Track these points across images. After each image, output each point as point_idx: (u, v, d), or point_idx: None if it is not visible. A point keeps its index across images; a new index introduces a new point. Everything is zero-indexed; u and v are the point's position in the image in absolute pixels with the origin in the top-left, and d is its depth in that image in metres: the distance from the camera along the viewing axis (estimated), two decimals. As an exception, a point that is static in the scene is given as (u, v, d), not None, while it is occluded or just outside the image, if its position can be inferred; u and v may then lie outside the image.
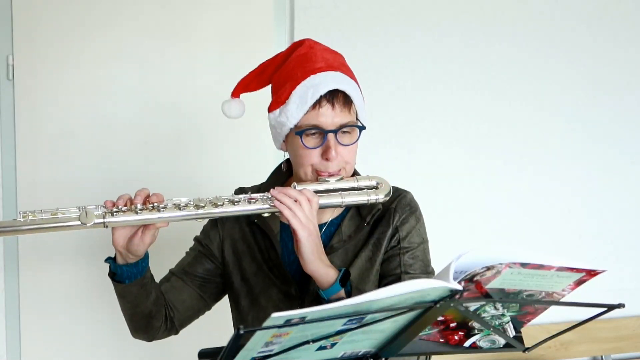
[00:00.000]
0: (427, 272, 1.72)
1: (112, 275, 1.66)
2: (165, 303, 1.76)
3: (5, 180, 2.65)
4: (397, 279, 1.68)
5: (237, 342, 1.14)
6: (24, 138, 2.65)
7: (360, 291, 1.62)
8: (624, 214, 3.26)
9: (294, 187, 1.62)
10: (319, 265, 1.57)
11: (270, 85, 1.77)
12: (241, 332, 1.10)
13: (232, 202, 1.59)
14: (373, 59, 2.96)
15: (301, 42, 1.73)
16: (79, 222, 1.52)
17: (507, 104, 3.10)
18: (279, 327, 1.12)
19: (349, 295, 1.55)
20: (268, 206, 1.59)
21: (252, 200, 1.60)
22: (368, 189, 1.67)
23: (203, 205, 1.58)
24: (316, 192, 1.62)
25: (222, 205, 1.59)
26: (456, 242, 2.99)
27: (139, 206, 1.56)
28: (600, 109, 3.22)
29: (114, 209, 1.55)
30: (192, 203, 1.59)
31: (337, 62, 1.70)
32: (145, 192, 1.60)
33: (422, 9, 3.00)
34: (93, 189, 2.70)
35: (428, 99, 3.02)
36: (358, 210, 1.73)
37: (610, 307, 1.28)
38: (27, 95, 2.65)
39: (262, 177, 1.86)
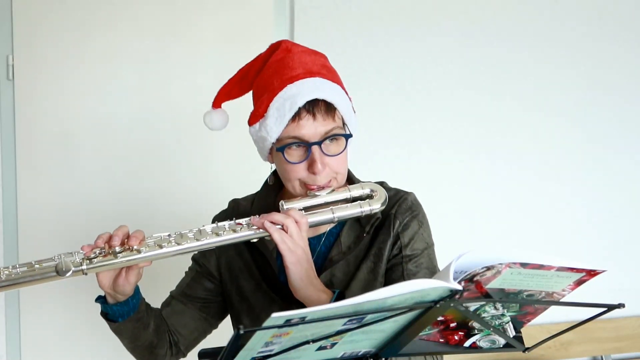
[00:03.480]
0: None
1: (105, 315, 1.60)
2: (168, 329, 1.70)
3: (5, 180, 2.65)
4: None
5: (237, 342, 1.14)
6: (24, 138, 2.65)
7: None
8: (623, 214, 3.26)
9: (282, 207, 1.54)
10: (310, 291, 1.49)
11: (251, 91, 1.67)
12: (241, 332, 1.10)
13: (216, 233, 1.51)
14: (373, 59, 2.96)
15: (278, 45, 1.62)
16: (55, 274, 1.49)
17: (507, 104, 3.10)
18: (279, 327, 1.12)
19: None
20: (254, 232, 1.51)
21: (237, 228, 1.52)
22: (362, 199, 1.56)
23: (185, 242, 1.51)
24: (306, 208, 1.54)
25: (205, 238, 1.51)
26: (456, 242, 3.00)
27: (117, 249, 1.49)
28: (601, 109, 3.22)
29: (92, 255, 1.48)
30: (173, 239, 1.51)
31: (316, 66, 1.57)
32: (124, 230, 1.52)
33: (422, 9, 3.00)
34: (93, 189, 2.70)
35: (428, 99, 3.02)
36: (358, 219, 1.61)
37: (610, 307, 1.28)
38: (27, 95, 2.65)
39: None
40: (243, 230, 1.52)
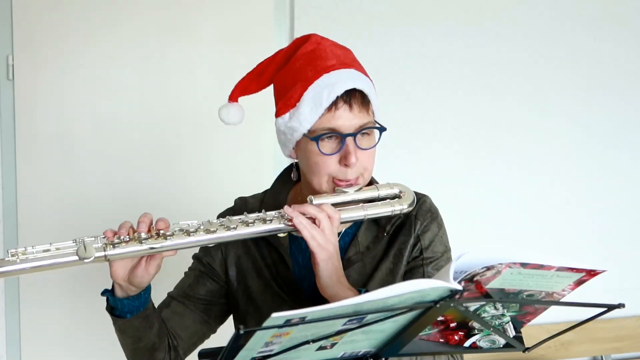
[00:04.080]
0: None
1: (110, 309, 1.53)
2: (167, 331, 1.62)
3: (5, 180, 2.65)
4: None
5: (237, 342, 1.14)
6: (24, 138, 2.65)
7: None
8: (623, 214, 3.26)
9: (311, 201, 1.48)
10: (338, 289, 1.44)
11: (271, 86, 1.62)
12: (241, 332, 1.10)
13: (246, 224, 1.44)
14: (373, 59, 2.95)
15: (306, 38, 1.58)
16: (76, 258, 1.37)
17: (507, 104, 3.10)
18: (279, 327, 1.12)
19: None
20: (284, 225, 1.46)
21: (266, 220, 1.46)
22: (390, 198, 1.54)
23: (214, 229, 1.43)
24: (335, 205, 1.49)
25: (235, 227, 1.44)
26: (456, 242, 3.00)
27: (143, 235, 1.40)
28: (601, 109, 3.22)
29: (115, 240, 1.40)
30: (202, 227, 1.43)
31: (349, 59, 1.56)
32: (149, 217, 1.44)
33: (422, 9, 3.00)
34: (93, 189, 2.70)
35: (428, 99, 3.02)
36: (375, 218, 1.56)
37: (610, 307, 1.28)
38: (27, 95, 2.65)
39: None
40: (273, 223, 1.46)
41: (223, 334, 1.89)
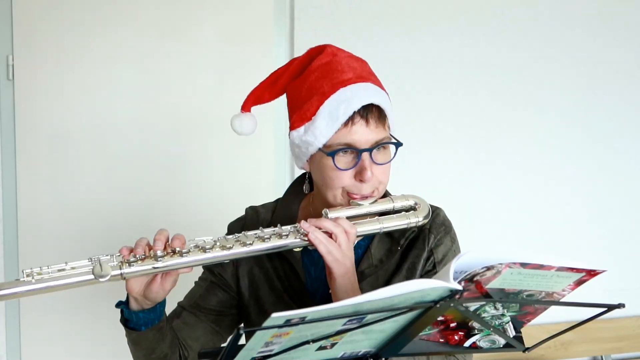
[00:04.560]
0: None
1: (124, 321, 1.51)
2: (179, 342, 1.59)
3: (5, 180, 2.65)
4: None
5: (237, 342, 1.14)
6: (24, 138, 2.65)
7: None
8: (623, 214, 3.26)
9: (326, 215, 1.47)
10: None
11: (284, 95, 1.61)
12: (241, 332, 1.10)
13: (262, 239, 1.43)
14: (373, 60, 2.92)
15: (321, 49, 1.56)
16: (92, 277, 1.37)
17: (507, 104, 3.11)
18: (279, 327, 1.12)
19: None
20: (300, 240, 1.44)
21: (282, 235, 1.44)
22: (406, 210, 1.52)
23: (230, 245, 1.42)
24: (350, 218, 1.48)
25: (251, 243, 1.42)
26: (456, 242, 2.99)
27: (159, 253, 1.39)
28: (601, 109, 3.22)
29: (131, 258, 1.39)
30: (218, 244, 1.42)
31: (365, 72, 1.55)
32: (165, 234, 1.43)
33: (422, 9, 3.00)
34: (93, 189, 2.70)
35: (428, 99, 3.02)
36: (388, 232, 1.55)
37: (610, 307, 1.28)
38: (27, 95, 2.65)
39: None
40: (289, 238, 1.44)
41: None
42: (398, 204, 1.53)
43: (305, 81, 1.53)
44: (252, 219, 1.65)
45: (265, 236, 1.44)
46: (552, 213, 3.17)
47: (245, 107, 1.62)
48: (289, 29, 2.87)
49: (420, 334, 1.29)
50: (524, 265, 1.21)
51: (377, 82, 1.55)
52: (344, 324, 1.19)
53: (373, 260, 1.57)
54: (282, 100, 1.66)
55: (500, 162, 3.11)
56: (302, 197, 1.65)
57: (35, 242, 2.67)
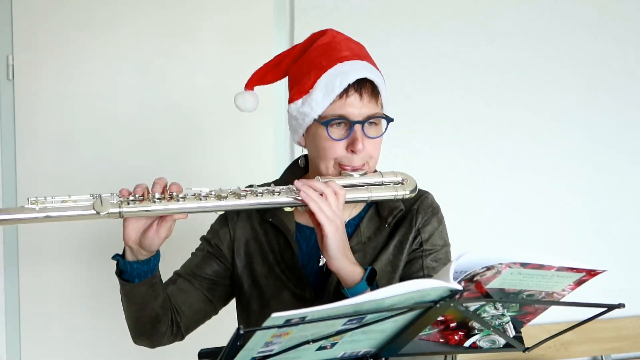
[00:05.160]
0: None
1: (119, 273, 1.56)
2: (172, 306, 1.66)
3: (5, 180, 2.65)
4: None
5: (237, 342, 1.14)
6: (24, 138, 2.65)
7: None
8: (623, 214, 3.27)
9: (318, 180, 1.53)
10: (345, 263, 1.47)
11: (286, 78, 1.69)
12: (241, 332, 1.10)
13: (255, 194, 1.49)
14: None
15: (323, 32, 1.65)
16: (93, 211, 1.42)
17: (507, 104, 3.11)
18: (279, 327, 1.12)
19: None
20: (292, 199, 1.49)
21: (276, 192, 1.50)
22: (394, 184, 1.60)
23: (225, 196, 1.47)
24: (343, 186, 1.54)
25: (244, 196, 1.48)
26: (456, 242, 2.99)
27: (157, 195, 1.45)
28: (601, 109, 3.22)
29: (130, 198, 1.45)
30: (213, 193, 1.47)
31: (362, 52, 1.63)
32: (164, 181, 1.49)
33: (422, 9, 3.00)
34: (93, 189, 2.68)
35: (428, 99, 3.02)
36: (377, 210, 1.66)
37: (610, 307, 1.28)
38: (27, 95, 2.65)
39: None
40: (282, 196, 1.50)
41: (223, 334, 1.90)
42: (387, 179, 1.60)
43: (305, 60, 1.63)
44: None
45: (259, 191, 1.50)
46: (552, 213, 3.17)
47: (249, 85, 1.71)
48: (289, 29, 2.87)
49: (420, 334, 1.29)
50: (524, 265, 1.21)
51: (373, 63, 1.63)
52: (344, 324, 1.19)
53: (362, 238, 1.64)
54: (284, 89, 1.69)
55: (500, 162, 3.12)
56: (301, 177, 1.69)
57: (36, 241, 2.67)
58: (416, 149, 3.02)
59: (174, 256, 1.80)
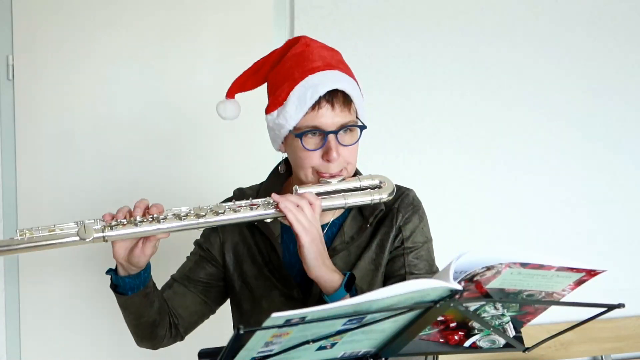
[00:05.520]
0: (432, 271, 1.69)
1: (114, 287, 1.64)
2: (169, 310, 1.74)
3: (5, 180, 2.65)
4: (402, 279, 1.64)
5: (237, 342, 1.14)
6: (24, 138, 2.65)
7: None
8: (623, 214, 3.26)
9: (295, 191, 1.59)
10: (323, 271, 1.53)
11: (266, 84, 1.73)
12: (241, 332, 1.10)
13: (234, 210, 1.56)
14: (373, 59, 2.96)
15: (296, 40, 1.69)
16: (77, 238, 1.50)
17: (507, 104, 3.10)
18: (279, 327, 1.12)
19: None
20: (270, 211, 1.56)
21: (253, 207, 1.56)
22: (371, 188, 1.63)
23: (204, 214, 1.55)
24: (318, 194, 1.59)
25: (223, 213, 1.55)
26: (456, 242, 2.99)
27: (138, 218, 1.53)
28: (601, 109, 3.22)
29: (113, 222, 1.53)
30: (192, 212, 1.55)
31: (334, 60, 1.65)
32: (145, 203, 1.57)
33: (422, 9, 3.00)
34: (93, 189, 2.70)
35: (429, 99, 3.02)
36: (360, 210, 1.70)
37: (610, 307, 1.28)
38: (27, 95, 2.65)
39: (262, 177, 1.86)
40: (259, 209, 1.56)
41: (223, 334, 1.90)
42: (365, 183, 1.64)
43: (281, 69, 1.67)
44: (238, 199, 1.74)
45: (237, 207, 1.56)
46: (552, 213, 3.17)
47: (230, 94, 1.77)
48: (289, 29, 2.87)
49: (420, 334, 1.29)
50: (524, 265, 1.21)
51: (345, 71, 1.65)
52: (344, 324, 1.19)
53: (345, 237, 1.69)
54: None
55: (500, 162, 3.11)
56: (284, 180, 1.77)
57: (35, 242, 2.67)
58: (416, 149, 3.02)
59: (172, 259, 1.86)
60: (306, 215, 1.53)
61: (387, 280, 1.68)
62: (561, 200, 3.19)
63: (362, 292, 1.58)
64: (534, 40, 3.11)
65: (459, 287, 1.19)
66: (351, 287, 1.54)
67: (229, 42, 2.78)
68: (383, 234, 1.69)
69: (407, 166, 2.99)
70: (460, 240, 2.98)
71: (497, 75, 3.08)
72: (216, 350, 1.32)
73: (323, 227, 1.70)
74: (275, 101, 1.63)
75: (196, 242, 1.82)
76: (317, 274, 1.53)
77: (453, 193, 3.06)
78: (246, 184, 1.86)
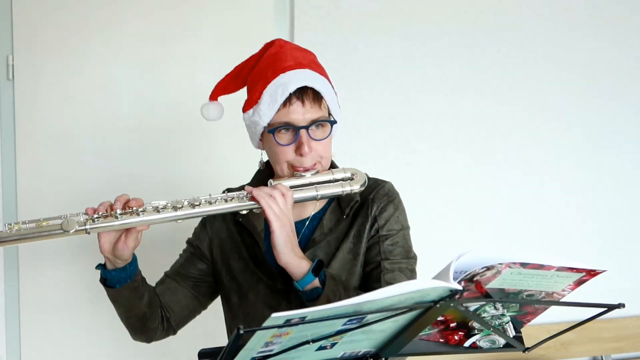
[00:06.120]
0: (409, 257, 1.75)
1: (104, 281, 1.71)
2: (161, 304, 1.81)
3: (5, 180, 2.65)
4: (378, 266, 1.71)
5: (237, 342, 1.14)
6: (24, 138, 2.65)
7: (340, 281, 1.63)
8: (623, 214, 3.26)
9: (270, 183, 1.67)
10: (291, 257, 1.59)
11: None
12: (241, 332, 1.10)
13: (209, 202, 1.64)
14: (373, 59, 2.96)
15: (272, 43, 1.78)
16: (61, 230, 1.57)
17: (507, 104, 3.11)
18: (279, 327, 1.12)
19: (323, 284, 1.57)
20: (245, 203, 1.63)
21: (228, 199, 1.64)
22: (343, 180, 1.69)
23: (180, 206, 1.62)
24: (292, 187, 1.66)
25: (199, 205, 1.63)
26: (456, 242, 2.99)
27: (118, 211, 1.61)
28: (600, 109, 3.22)
29: (95, 216, 1.60)
30: (170, 205, 1.63)
31: (306, 60, 1.73)
32: (125, 197, 1.65)
33: (422, 9, 3.00)
34: (93, 189, 2.70)
35: (428, 99, 3.02)
36: (339, 203, 1.77)
37: (610, 307, 1.28)
38: (27, 95, 2.65)
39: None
40: (234, 201, 1.64)
41: (223, 334, 1.90)
42: (338, 176, 1.71)
43: (257, 70, 1.76)
44: None
45: (212, 200, 1.64)
46: (552, 213, 3.17)
47: (213, 96, 1.87)
48: (289, 29, 2.87)
49: (420, 334, 1.29)
50: (524, 265, 1.21)
51: (317, 69, 1.73)
52: (344, 324, 1.19)
53: (324, 229, 1.76)
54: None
55: (500, 162, 3.11)
56: (266, 179, 1.80)
57: (35, 243, 2.66)
58: (416, 149, 3.02)
59: (162, 255, 1.96)
60: (278, 203, 1.60)
61: (365, 267, 1.74)
62: (561, 199, 3.19)
63: (339, 279, 1.64)
64: (534, 40, 3.11)
65: (459, 287, 1.19)
66: (319, 273, 1.59)
67: (229, 42, 2.78)
68: (360, 224, 1.74)
69: (407, 166, 2.99)
70: (460, 240, 2.98)
71: (497, 76, 3.08)
72: (216, 350, 1.32)
73: (304, 220, 1.78)
74: (251, 100, 1.72)
75: (188, 241, 1.90)
76: (286, 260, 1.59)
77: (453, 193, 3.06)
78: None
